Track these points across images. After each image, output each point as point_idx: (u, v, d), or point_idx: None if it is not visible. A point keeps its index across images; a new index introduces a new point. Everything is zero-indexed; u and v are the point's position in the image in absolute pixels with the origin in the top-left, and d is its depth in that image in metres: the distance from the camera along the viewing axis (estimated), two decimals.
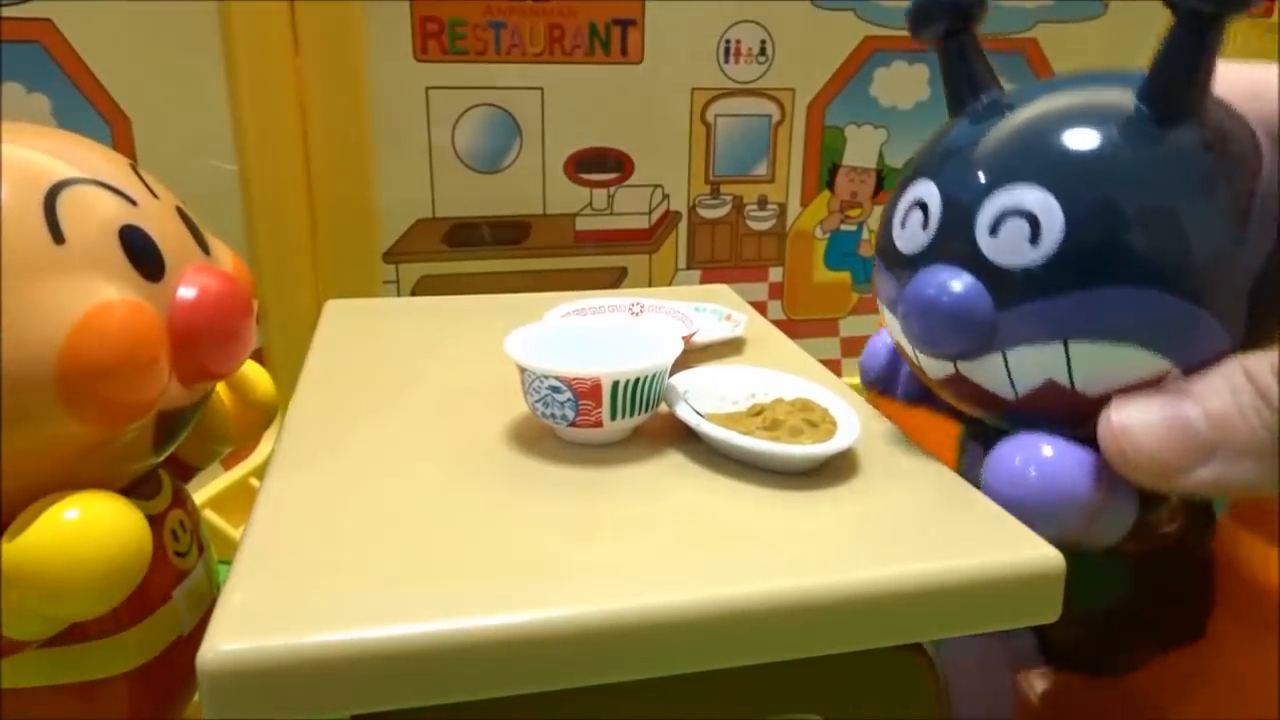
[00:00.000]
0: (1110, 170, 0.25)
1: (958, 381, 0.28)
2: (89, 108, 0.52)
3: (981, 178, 0.26)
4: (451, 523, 0.25)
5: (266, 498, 0.26)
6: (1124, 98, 0.25)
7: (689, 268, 0.69)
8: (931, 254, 0.27)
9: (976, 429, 0.31)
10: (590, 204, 0.65)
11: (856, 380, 0.37)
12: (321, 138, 0.56)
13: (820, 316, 0.73)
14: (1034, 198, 0.25)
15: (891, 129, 0.68)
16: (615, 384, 0.28)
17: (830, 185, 0.69)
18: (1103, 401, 0.25)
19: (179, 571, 0.31)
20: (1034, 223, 0.25)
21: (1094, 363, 0.25)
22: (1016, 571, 0.24)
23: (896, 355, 0.33)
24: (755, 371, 0.33)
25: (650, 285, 0.68)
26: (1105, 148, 0.25)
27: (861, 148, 0.69)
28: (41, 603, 0.24)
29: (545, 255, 0.65)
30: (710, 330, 0.40)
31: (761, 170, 0.68)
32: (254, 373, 0.36)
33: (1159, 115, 0.25)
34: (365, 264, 0.60)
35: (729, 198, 0.68)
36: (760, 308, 0.65)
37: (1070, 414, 0.26)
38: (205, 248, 0.30)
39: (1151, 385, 0.25)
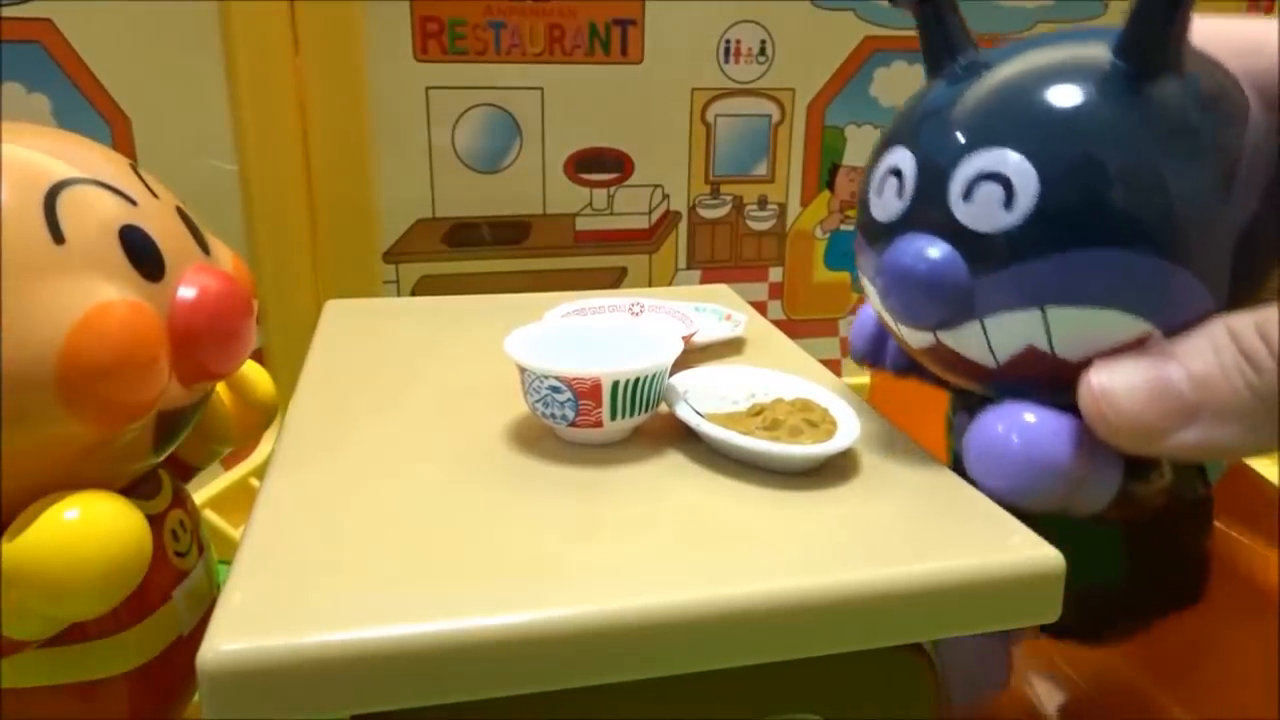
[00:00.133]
0: (1084, 129, 0.24)
1: (939, 351, 0.27)
2: (89, 108, 0.53)
3: (953, 142, 0.26)
4: (451, 523, 0.25)
5: (266, 498, 0.26)
6: (1099, 54, 0.25)
7: (689, 268, 0.69)
8: (907, 222, 0.27)
9: (964, 400, 0.31)
10: (590, 204, 0.65)
11: (856, 380, 0.37)
12: (321, 138, 0.56)
13: (820, 316, 0.73)
14: (1006, 160, 0.24)
15: None
16: (615, 384, 0.28)
17: (830, 185, 0.69)
18: (1085, 366, 0.25)
19: (179, 571, 0.31)
20: (1007, 186, 0.24)
21: (1073, 328, 0.25)
22: (1016, 571, 0.24)
23: (884, 327, 0.33)
24: (755, 371, 0.33)
25: (650, 285, 0.68)
26: (1079, 106, 0.24)
27: (862, 148, 0.69)
28: (41, 603, 0.24)
29: (545, 255, 0.65)
30: (710, 330, 0.40)
31: (761, 170, 0.68)
32: (254, 373, 0.36)
33: (1135, 70, 0.24)
34: (365, 264, 0.60)
35: (729, 198, 0.68)
36: (760, 308, 0.65)
37: (1053, 380, 0.26)
38: (205, 248, 0.30)
39: (1133, 348, 0.24)
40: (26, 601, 0.24)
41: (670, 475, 0.28)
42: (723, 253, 0.70)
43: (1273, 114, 0.25)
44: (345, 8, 0.54)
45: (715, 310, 0.43)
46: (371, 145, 0.58)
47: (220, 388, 0.35)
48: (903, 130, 0.28)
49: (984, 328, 0.26)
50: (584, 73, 0.62)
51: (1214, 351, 0.23)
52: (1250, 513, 0.34)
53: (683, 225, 0.68)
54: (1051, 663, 0.42)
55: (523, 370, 0.29)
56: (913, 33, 0.30)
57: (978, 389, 0.29)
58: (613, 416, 0.29)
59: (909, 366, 0.33)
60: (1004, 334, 0.25)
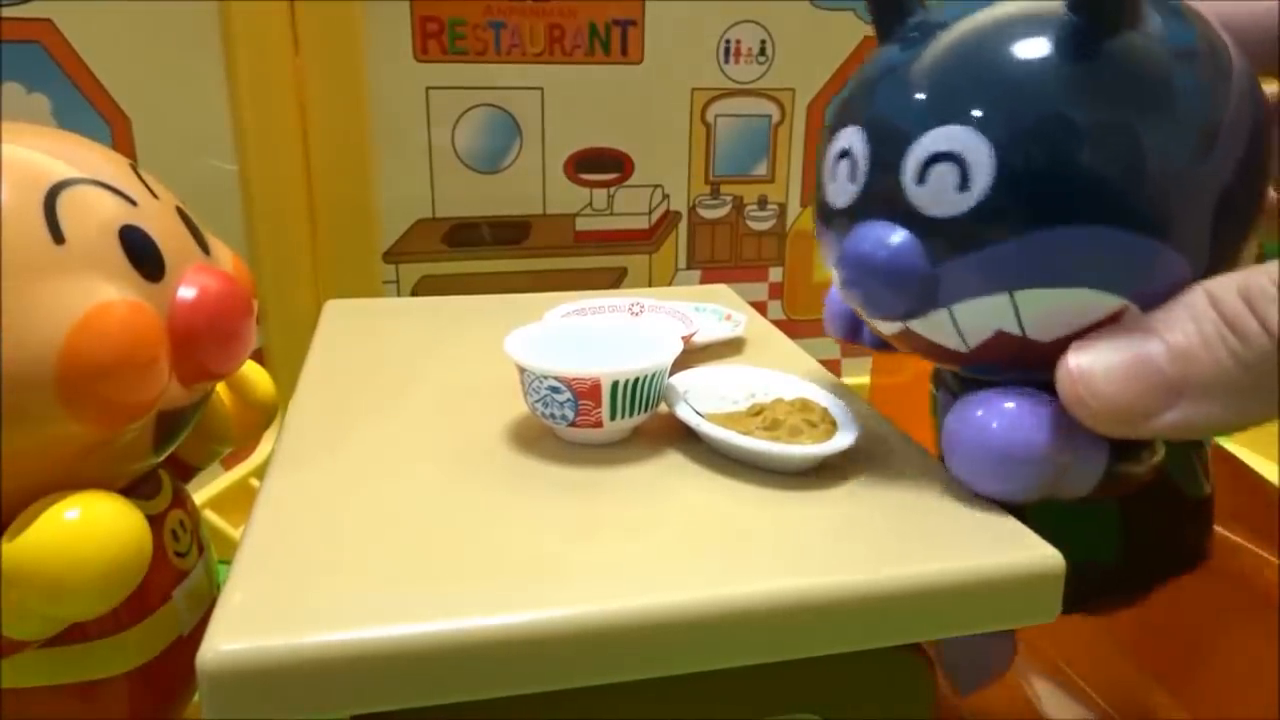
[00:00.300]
0: (1038, 94, 0.22)
1: (909, 336, 0.26)
2: (89, 108, 0.53)
3: (902, 120, 0.24)
4: (451, 523, 0.25)
5: (266, 498, 0.26)
6: (1053, 9, 0.22)
7: (689, 268, 0.69)
8: (862, 207, 0.25)
9: (942, 377, 0.30)
10: (590, 204, 0.65)
11: (856, 380, 0.37)
12: (321, 138, 0.56)
13: (820, 316, 0.73)
14: (958, 138, 0.22)
15: None
16: (615, 384, 0.28)
17: None
18: (1060, 346, 0.23)
19: (179, 571, 0.31)
20: (962, 165, 0.22)
21: (1043, 309, 0.23)
22: (1016, 571, 0.23)
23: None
24: (755, 371, 0.33)
25: (650, 285, 0.68)
26: (1031, 70, 0.22)
27: None
28: (41, 603, 0.24)
29: (545, 255, 0.65)
30: (710, 330, 0.40)
31: (761, 170, 0.68)
32: (254, 373, 0.36)
33: (1092, 26, 0.22)
34: (365, 264, 0.60)
35: (729, 198, 0.68)
36: (760, 308, 0.65)
37: (1028, 359, 0.24)
38: (205, 248, 0.30)
39: (1108, 324, 0.23)
40: (26, 601, 0.24)
41: (670, 475, 0.28)
42: (723, 253, 0.70)
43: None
44: (345, 8, 0.54)
45: (715, 310, 0.43)
46: (371, 145, 0.58)
47: (220, 388, 0.35)
48: (851, 106, 0.26)
49: (952, 315, 0.24)
50: (584, 73, 0.62)
51: (1193, 321, 0.22)
52: (1250, 513, 0.34)
53: (683, 225, 0.68)
54: (1052, 663, 0.42)
55: (522, 370, 0.29)
56: None
57: (953, 370, 0.28)
58: (612, 416, 0.29)
59: (886, 343, 0.32)
60: (972, 320, 0.24)
